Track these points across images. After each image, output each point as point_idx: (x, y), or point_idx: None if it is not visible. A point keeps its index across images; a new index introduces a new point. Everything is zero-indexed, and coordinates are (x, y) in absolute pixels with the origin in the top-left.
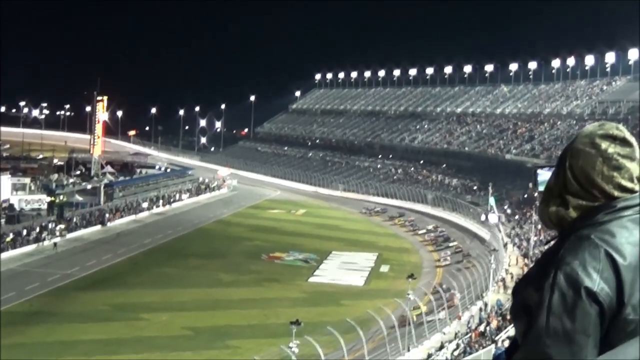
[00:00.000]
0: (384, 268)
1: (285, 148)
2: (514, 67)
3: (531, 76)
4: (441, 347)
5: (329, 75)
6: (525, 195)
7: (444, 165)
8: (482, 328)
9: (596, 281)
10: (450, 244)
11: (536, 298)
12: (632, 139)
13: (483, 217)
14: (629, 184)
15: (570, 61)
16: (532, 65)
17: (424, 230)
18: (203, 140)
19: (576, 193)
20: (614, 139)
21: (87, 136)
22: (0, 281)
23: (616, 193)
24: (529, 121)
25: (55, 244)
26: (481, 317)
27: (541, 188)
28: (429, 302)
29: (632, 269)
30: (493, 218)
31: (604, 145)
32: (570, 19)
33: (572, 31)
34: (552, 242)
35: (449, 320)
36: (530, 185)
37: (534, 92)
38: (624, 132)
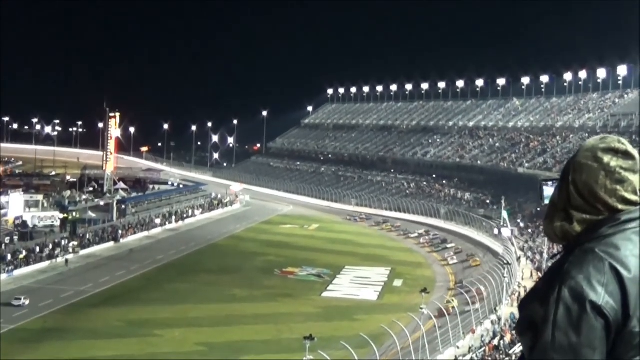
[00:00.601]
0: (398, 282)
1: (298, 163)
2: (526, 80)
3: (543, 89)
4: None
5: (341, 90)
6: (538, 209)
7: (457, 179)
8: (495, 342)
9: (601, 295)
10: (448, 245)
11: (542, 313)
12: (634, 152)
13: (496, 231)
14: (632, 197)
15: (582, 74)
16: (544, 78)
17: (416, 234)
18: (215, 155)
19: (580, 207)
20: (616, 152)
21: (100, 153)
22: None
23: (620, 206)
24: (541, 135)
25: (67, 260)
26: (495, 330)
27: (547, 202)
28: (459, 294)
29: (637, 282)
30: (506, 232)
31: (606, 158)
32: (582, 33)
33: (584, 44)
34: (558, 257)
35: (463, 333)
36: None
37: (546, 106)
38: (626, 145)
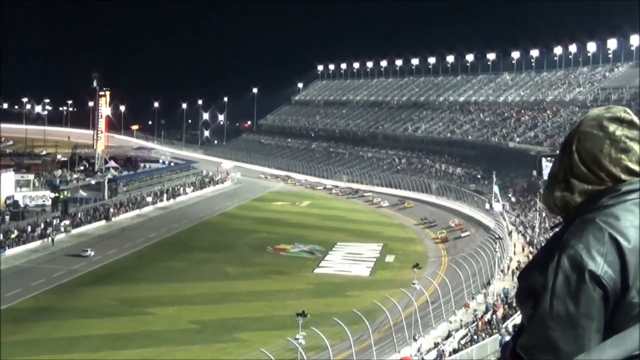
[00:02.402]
0: (390, 258)
1: (289, 140)
2: (516, 55)
3: (533, 64)
4: (448, 336)
5: (331, 67)
6: (529, 183)
7: (447, 155)
8: (488, 316)
9: (600, 264)
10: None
11: (541, 281)
12: (639, 122)
13: (487, 206)
14: (636, 167)
15: (572, 48)
16: (534, 52)
17: (387, 203)
18: (206, 133)
19: (582, 176)
20: (621, 121)
21: (90, 131)
22: (1, 279)
23: (623, 176)
24: (531, 109)
25: (52, 239)
26: (487, 305)
27: (546, 177)
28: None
29: (637, 252)
30: (497, 206)
31: (611, 127)
32: (571, 6)
33: (574, 18)
34: (559, 226)
35: (455, 309)
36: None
37: (536, 80)
38: (631, 115)
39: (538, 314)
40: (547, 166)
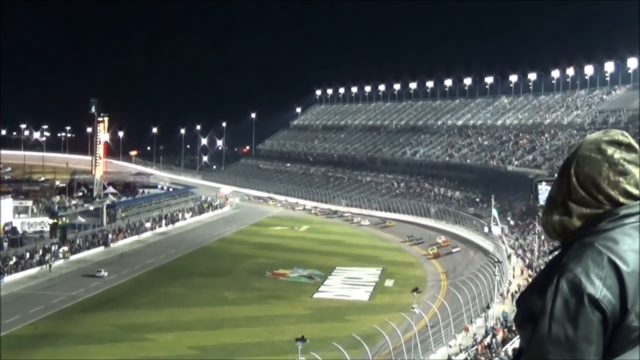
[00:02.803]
0: (389, 282)
1: (287, 164)
2: (513, 78)
3: (531, 87)
4: None
5: (330, 91)
6: (528, 206)
7: (446, 178)
8: (488, 340)
9: (599, 288)
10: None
11: (539, 305)
12: (637, 145)
13: (486, 229)
14: (634, 190)
15: (570, 71)
16: (532, 76)
17: (367, 222)
18: (205, 158)
19: (580, 200)
20: (619, 144)
21: (89, 157)
22: (0, 306)
23: (621, 199)
24: (530, 132)
25: (50, 266)
26: (487, 329)
27: (542, 202)
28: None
29: (636, 276)
30: (496, 230)
31: (610, 150)
32: (568, 30)
33: (571, 41)
34: (557, 251)
35: (455, 332)
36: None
37: (534, 103)
38: (629, 138)
39: (537, 337)
40: (542, 191)
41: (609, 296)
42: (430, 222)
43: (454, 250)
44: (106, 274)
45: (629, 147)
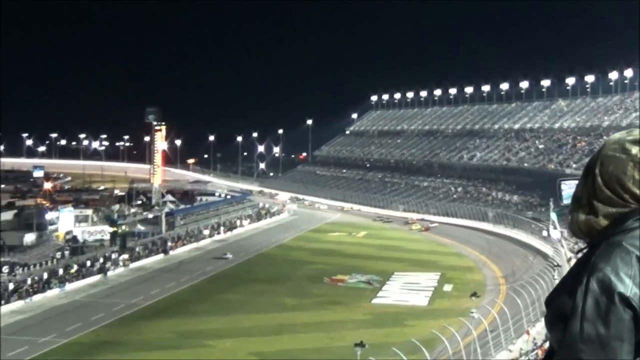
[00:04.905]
0: (447, 287)
1: (344, 170)
2: (571, 81)
3: (589, 89)
4: None
5: (385, 96)
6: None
7: (504, 182)
8: (548, 344)
9: (629, 286)
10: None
11: (570, 305)
12: None
13: (545, 233)
14: None
15: (628, 72)
16: (590, 78)
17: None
18: (262, 165)
19: (606, 200)
20: None
21: (147, 166)
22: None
23: None
24: (587, 135)
25: (105, 273)
26: (547, 333)
27: (566, 201)
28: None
29: None
30: (555, 233)
31: (634, 150)
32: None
33: (630, 42)
34: (584, 251)
35: (514, 337)
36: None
37: (592, 105)
38: None
39: (568, 337)
40: (567, 190)
41: (639, 294)
42: (488, 227)
43: (431, 225)
44: (231, 256)
45: None
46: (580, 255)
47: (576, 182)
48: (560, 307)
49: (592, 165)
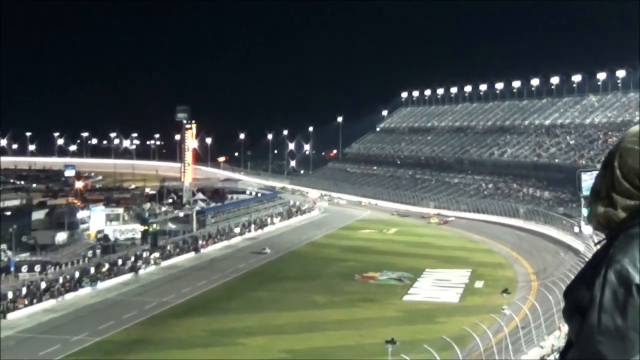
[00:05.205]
0: (479, 284)
1: (374, 167)
2: (601, 76)
3: (620, 84)
4: None
5: (415, 93)
6: None
7: (535, 179)
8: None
9: None
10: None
11: (588, 297)
12: None
13: (577, 229)
14: None
15: None
16: (621, 73)
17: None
18: (292, 163)
19: (624, 192)
20: None
21: (178, 164)
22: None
23: None
24: (619, 130)
25: (136, 272)
26: None
27: (586, 192)
28: None
29: None
30: (587, 229)
31: None
32: None
33: None
34: (603, 242)
35: (545, 334)
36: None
37: (623, 101)
38: None
39: (586, 329)
40: (586, 180)
41: None
42: (519, 223)
43: (448, 219)
44: (269, 251)
45: None
46: (598, 247)
47: (596, 173)
48: (578, 299)
49: (611, 158)
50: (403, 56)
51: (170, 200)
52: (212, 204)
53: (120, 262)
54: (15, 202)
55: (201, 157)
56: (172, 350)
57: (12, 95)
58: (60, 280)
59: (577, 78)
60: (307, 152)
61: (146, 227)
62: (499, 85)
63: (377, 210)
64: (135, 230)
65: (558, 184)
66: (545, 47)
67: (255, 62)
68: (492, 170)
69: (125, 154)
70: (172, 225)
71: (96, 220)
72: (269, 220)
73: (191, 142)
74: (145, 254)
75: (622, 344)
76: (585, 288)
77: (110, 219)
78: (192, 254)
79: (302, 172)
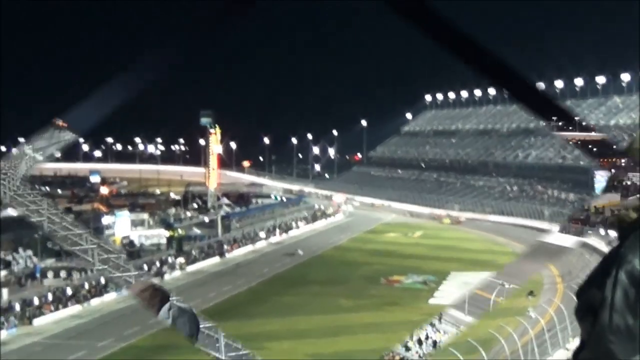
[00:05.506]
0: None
1: (399, 171)
2: (626, 77)
3: None
4: None
5: (440, 96)
6: None
7: (560, 180)
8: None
9: None
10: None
11: (599, 297)
12: None
13: (602, 231)
14: None
15: None
16: None
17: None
18: (317, 167)
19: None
20: None
21: (202, 169)
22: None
23: None
24: None
25: (162, 277)
26: None
27: (598, 192)
28: None
29: None
30: (612, 231)
31: None
32: None
33: None
34: (614, 243)
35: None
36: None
37: None
38: None
39: (598, 328)
40: (599, 181)
41: None
42: (544, 225)
43: (461, 220)
44: (302, 252)
45: None
46: (610, 247)
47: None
48: (590, 299)
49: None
50: (427, 59)
51: (195, 205)
52: (237, 209)
53: (145, 267)
54: None
55: (226, 162)
56: (198, 355)
57: (35, 102)
58: (86, 285)
59: (601, 79)
60: (331, 156)
61: (171, 232)
62: None
63: (389, 211)
64: (161, 235)
65: (583, 186)
66: (568, 48)
67: (278, 66)
68: (516, 172)
69: (150, 159)
70: (197, 230)
71: (121, 225)
72: (293, 224)
73: (216, 146)
74: (170, 259)
75: (632, 343)
76: (597, 288)
77: (135, 224)
78: (217, 259)
79: (326, 175)
